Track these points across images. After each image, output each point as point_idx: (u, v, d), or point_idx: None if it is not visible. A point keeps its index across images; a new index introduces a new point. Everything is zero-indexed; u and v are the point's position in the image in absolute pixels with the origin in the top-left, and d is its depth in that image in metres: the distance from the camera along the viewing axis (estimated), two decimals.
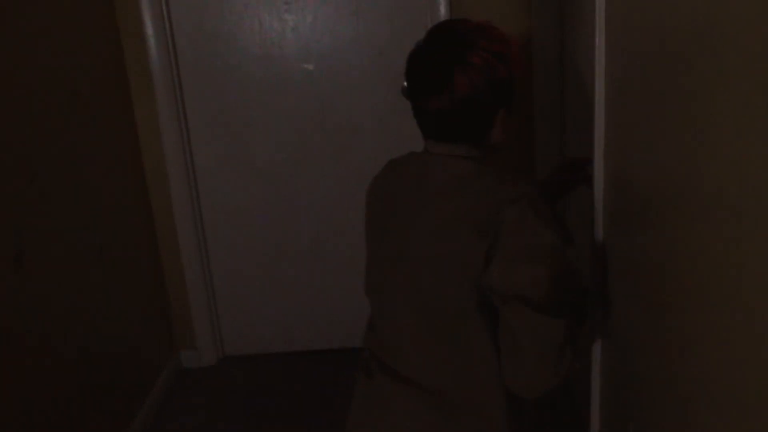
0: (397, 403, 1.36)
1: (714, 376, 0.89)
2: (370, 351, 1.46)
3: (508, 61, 1.27)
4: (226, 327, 2.98)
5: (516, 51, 1.29)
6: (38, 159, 1.97)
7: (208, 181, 2.80)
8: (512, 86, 1.30)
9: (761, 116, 0.70)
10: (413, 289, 1.33)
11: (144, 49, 2.59)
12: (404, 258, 1.35)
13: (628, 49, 1.23)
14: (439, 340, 1.32)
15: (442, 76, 1.26)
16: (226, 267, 2.90)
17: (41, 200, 1.96)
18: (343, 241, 2.85)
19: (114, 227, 2.44)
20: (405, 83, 1.33)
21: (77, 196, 2.19)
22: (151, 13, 2.57)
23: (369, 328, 1.50)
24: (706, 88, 0.85)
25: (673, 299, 1.04)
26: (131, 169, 2.65)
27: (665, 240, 1.07)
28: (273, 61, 2.68)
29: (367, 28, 2.64)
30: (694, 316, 0.95)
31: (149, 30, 2.59)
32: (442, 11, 2.58)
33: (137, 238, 2.66)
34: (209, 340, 2.94)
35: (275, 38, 2.66)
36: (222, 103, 2.72)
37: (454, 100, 1.26)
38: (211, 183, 2.80)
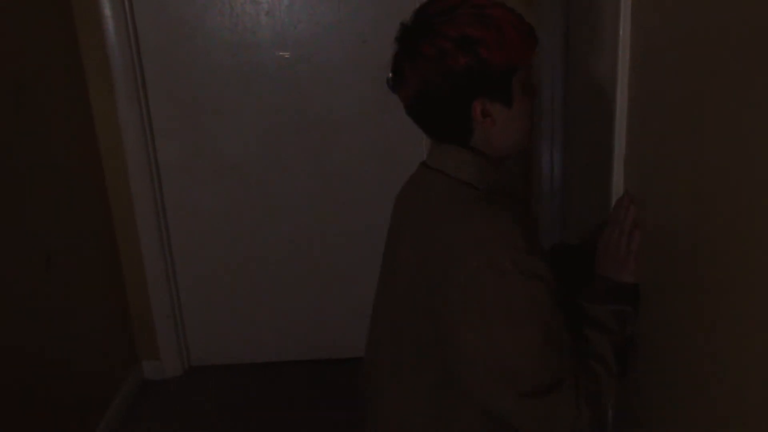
0: None
1: None
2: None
3: (482, 46, 1.06)
4: (192, 336, 2.76)
5: (508, 32, 1.07)
6: None
7: (173, 179, 2.57)
8: (492, 74, 1.08)
9: None
10: (391, 320, 1.22)
11: (101, 34, 2.34)
12: (388, 283, 1.25)
13: (654, 44, 1.09)
14: (415, 383, 1.16)
15: (396, 70, 1.15)
16: (193, 272, 2.68)
17: None
18: (321, 245, 2.64)
19: (67, 232, 2.23)
20: (390, 74, 1.17)
21: (22, 201, 1.97)
22: None
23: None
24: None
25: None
26: (87, 168, 2.41)
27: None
28: (245, 48, 2.44)
29: (349, 13, 2.42)
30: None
31: (107, 11, 2.33)
32: None
33: (94, 242, 2.44)
34: (174, 349, 2.72)
35: (248, 23, 2.42)
36: (189, 94, 2.48)
37: (408, 96, 1.15)
38: (177, 181, 2.57)
